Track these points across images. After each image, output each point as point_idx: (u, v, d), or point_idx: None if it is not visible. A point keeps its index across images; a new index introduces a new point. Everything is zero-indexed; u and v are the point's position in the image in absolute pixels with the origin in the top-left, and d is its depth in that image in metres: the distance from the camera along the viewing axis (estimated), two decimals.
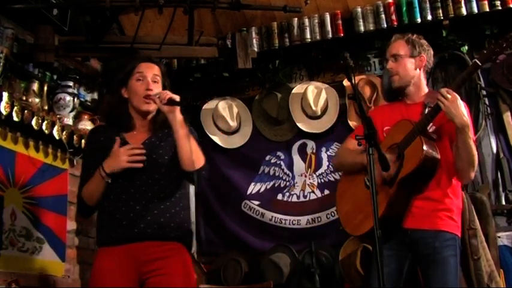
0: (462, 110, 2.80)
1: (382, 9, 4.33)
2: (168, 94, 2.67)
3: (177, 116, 2.67)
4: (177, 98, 2.67)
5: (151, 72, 2.84)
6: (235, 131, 4.72)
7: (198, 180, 2.75)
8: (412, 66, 3.10)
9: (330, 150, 4.42)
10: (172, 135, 2.74)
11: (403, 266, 2.92)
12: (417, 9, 4.25)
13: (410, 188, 2.90)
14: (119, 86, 2.88)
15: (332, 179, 4.41)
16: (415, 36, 3.16)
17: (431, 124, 2.94)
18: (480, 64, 2.89)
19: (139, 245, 2.64)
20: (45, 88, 3.83)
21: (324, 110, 4.46)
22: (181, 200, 2.81)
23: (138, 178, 2.72)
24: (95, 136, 2.90)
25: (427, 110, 2.94)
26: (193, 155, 2.68)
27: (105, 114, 2.99)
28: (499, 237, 3.78)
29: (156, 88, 2.80)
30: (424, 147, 2.83)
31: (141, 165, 2.69)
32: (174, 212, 2.74)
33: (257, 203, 4.54)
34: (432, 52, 3.19)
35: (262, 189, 4.57)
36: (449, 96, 2.80)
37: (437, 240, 2.84)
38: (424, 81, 3.15)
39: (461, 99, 2.83)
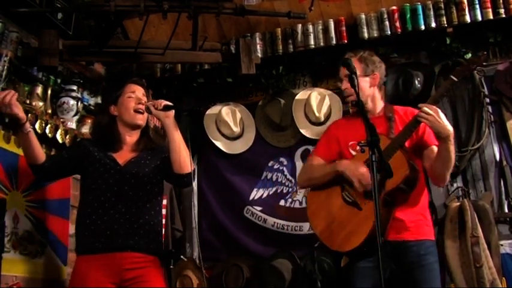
0: (445, 120, 2.89)
1: (386, 16, 4.32)
2: (163, 101, 2.94)
3: (172, 120, 2.93)
4: (170, 103, 2.95)
5: (140, 92, 3.16)
6: (238, 136, 4.72)
7: (181, 188, 3.06)
8: (367, 84, 3.19)
9: None
10: (157, 155, 3.08)
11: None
12: (421, 17, 4.24)
13: (394, 200, 2.93)
14: (108, 105, 3.17)
15: None
16: (367, 53, 3.26)
17: None
18: (456, 80, 3.01)
19: (121, 255, 2.87)
20: (49, 92, 3.84)
21: (327, 116, 4.45)
22: (159, 214, 3.07)
23: (125, 194, 2.96)
24: (85, 143, 3.18)
25: (392, 123, 3.07)
26: (186, 159, 2.92)
27: (95, 132, 3.24)
28: (502, 245, 3.77)
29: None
30: (409, 160, 2.91)
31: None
32: (152, 225, 3.00)
33: (259, 208, 4.53)
34: (384, 67, 3.29)
35: (264, 195, 4.56)
36: (430, 111, 2.85)
37: (421, 249, 2.94)
38: (379, 96, 3.26)
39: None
